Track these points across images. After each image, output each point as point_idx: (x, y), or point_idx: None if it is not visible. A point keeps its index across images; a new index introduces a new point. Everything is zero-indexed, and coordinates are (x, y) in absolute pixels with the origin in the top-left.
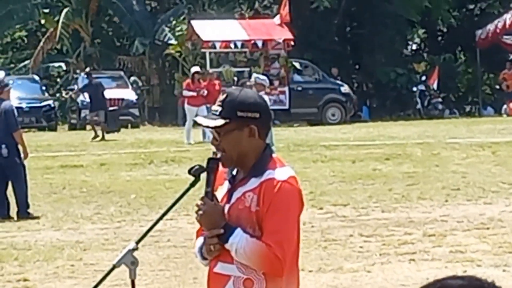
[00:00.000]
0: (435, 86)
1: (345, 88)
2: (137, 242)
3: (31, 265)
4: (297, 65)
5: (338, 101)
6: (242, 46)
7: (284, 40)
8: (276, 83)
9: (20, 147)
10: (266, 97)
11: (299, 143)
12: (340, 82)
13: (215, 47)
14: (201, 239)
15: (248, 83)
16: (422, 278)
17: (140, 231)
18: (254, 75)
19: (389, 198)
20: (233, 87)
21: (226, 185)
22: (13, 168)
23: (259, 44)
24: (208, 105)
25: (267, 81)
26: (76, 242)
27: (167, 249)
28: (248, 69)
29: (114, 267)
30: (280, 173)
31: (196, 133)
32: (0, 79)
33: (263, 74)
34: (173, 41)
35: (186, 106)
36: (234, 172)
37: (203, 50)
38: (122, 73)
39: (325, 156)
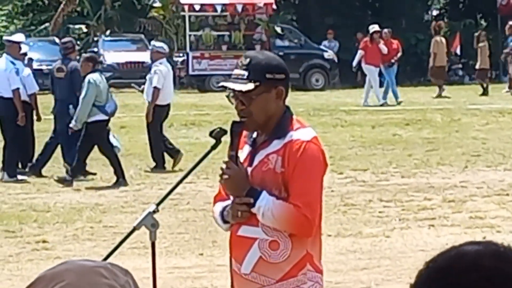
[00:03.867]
0: (458, 51)
1: (328, 54)
2: (158, 205)
3: (50, 227)
4: (278, 29)
5: (321, 67)
6: (223, 10)
7: (264, 4)
8: (258, 47)
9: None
10: (162, 66)
11: (319, 107)
12: (323, 48)
13: (195, 10)
14: (221, 204)
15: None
16: (441, 244)
17: (159, 194)
18: (152, 42)
19: (409, 164)
20: (252, 51)
21: (246, 149)
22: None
23: (239, 8)
24: (388, 64)
25: (165, 48)
26: (95, 204)
27: (186, 212)
28: (228, 33)
29: (134, 229)
30: (303, 134)
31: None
32: (67, 40)
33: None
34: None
35: (364, 65)
36: (254, 135)
37: (182, 13)
38: (142, 36)
39: (345, 121)
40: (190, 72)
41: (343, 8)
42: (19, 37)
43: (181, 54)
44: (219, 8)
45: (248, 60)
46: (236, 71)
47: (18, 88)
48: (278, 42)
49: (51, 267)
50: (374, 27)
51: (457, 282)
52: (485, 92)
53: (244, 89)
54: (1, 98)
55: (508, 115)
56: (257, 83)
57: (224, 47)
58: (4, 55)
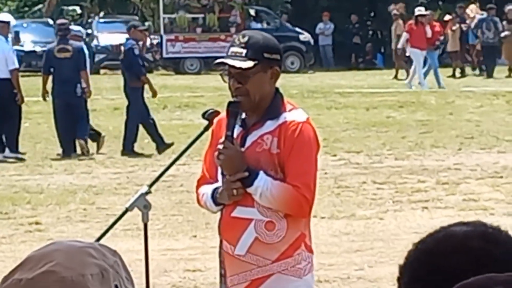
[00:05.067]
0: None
1: (304, 36)
2: (150, 186)
3: (43, 209)
4: (252, 12)
5: (296, 49)
6: None
7: None
8: (233, 30)
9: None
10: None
11: (313, 89)
12: (299, 30)
13: None
14: (209, 186)
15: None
16: (435, 226)
17: (152, 176)
18: (70, 27)
19: (403, 146)
20: (249, 30)
21: (235, 129)
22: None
23: None
24: (434, 47)
25: (82, 32)
26: (88, 186)
27: (179, 194)
28: (202, 15)
29: (127, 210)
30: (297, 115)
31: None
32: (66, 22)
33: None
34: None
35: (410, 49)
36: (243, 116)
37: None
38: (136, 18)
39: (339, 103)
40: (164, 55)
41: None
42: (8, 17)
43: (156, 37)
44: None
45: (246, 38)
46: (234, 49)
47: (17, 68)
48: (254, 25)
49: (40, 247)
50: (420, 10)
51: (445, 264)
52: (454, 75)
53: (244, 66)
54: None
55: (502, 97)
56: (256, 62)
57: (198, 30)
58: None
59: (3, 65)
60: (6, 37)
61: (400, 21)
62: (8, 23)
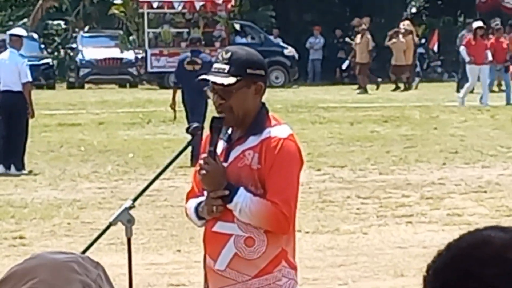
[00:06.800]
0: (435, 48)
1: (288, 51)
2: (134, 200)
3: (27, 223)
4: (237, 26)
5: (281, 64)
6: (182, 7)
7: (223, 1)
8: (217, 44)
9: None
10: None
11: (297, 104)
12: (284, 45)
13: (152, 7)
14: (194, 200)
15: None
16: (419, 241)
17: (137, 190)
18: None
19: (387, 161)
20: (233, 46)
21: (221, 144)
22: None
23: (197, 5)
24: (496, 65)
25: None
26: (73, 200)
27: (164, 208)
28: (187, 30)
29: (110, 224)
30: (280, 131)
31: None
32: (197, 36)
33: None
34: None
35: (467, 65)
36: (229, 131)
37: (141, 10)
38: (121, 32)
39: (323, 117)
40: (149, 69)
41: (322, 5)
42: (22, 31)
43: (140, 51)
44: (177, 6)
45: (229, 54)
46: (217, 65)
47: (29, 81)
48: (238, 39)
49: (21, 262)
50: (477, 23)
51: (479, 272)
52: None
53: (225, 82)
54: (11, 92)
55: (486, 112)
56: (238, 78)
57: (183, 44)
58: (10, 49)
59: (17, 78)
60: (19, 51)
61: (369, 35)
62: (21, 37)
